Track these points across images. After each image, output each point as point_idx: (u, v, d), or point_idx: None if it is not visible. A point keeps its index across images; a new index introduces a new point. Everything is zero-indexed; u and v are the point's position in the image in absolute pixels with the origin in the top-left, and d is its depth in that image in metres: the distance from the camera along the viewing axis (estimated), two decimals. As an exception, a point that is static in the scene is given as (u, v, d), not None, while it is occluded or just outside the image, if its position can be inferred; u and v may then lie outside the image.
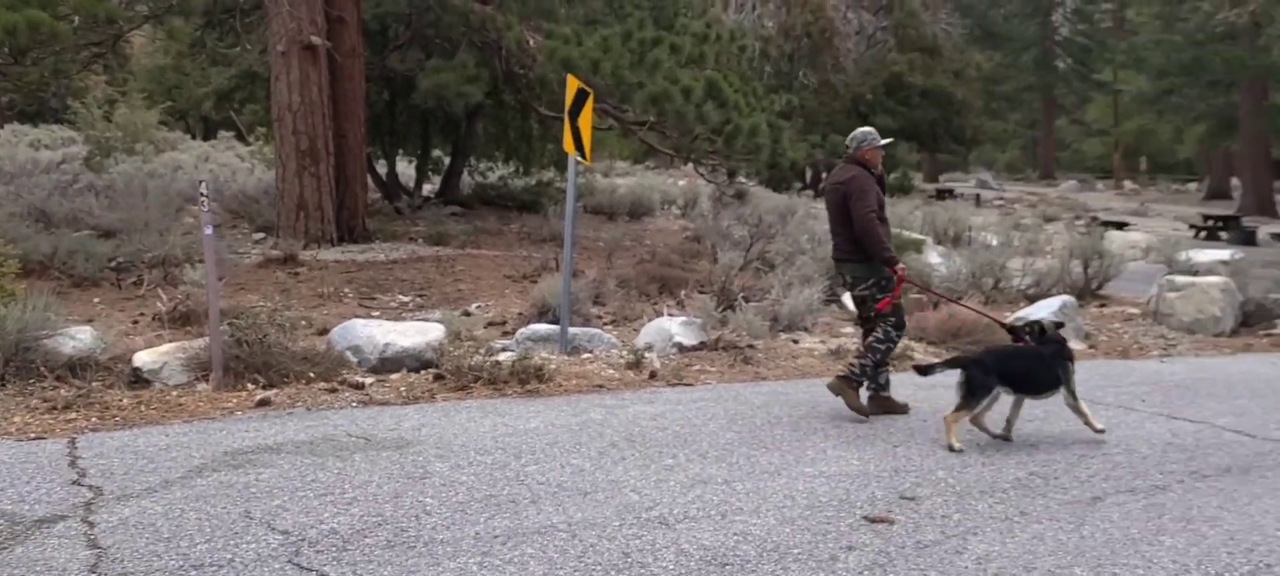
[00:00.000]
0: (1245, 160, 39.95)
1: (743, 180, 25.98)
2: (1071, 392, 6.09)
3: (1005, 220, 30.70)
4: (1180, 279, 11.55)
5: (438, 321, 8.66)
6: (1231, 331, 11.14)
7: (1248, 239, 26.16)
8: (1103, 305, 12.79)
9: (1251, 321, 11.51)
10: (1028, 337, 6.42)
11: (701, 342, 8.70)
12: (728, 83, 14.45)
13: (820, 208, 24.14)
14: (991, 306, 11.69)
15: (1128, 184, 57.05)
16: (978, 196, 43.12)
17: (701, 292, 11.10)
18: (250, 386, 6.69)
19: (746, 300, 10.26)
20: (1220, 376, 8.35)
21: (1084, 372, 8.18)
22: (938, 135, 43.80)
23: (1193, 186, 55.20)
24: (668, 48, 14.33)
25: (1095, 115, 67.62)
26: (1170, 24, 43.17)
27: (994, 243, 22.00)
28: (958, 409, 5.88)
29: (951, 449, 5.71)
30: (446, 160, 21.69)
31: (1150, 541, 4.29)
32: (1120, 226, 28.47)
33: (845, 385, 6.49)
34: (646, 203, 23.16)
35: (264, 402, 6.38)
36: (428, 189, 21.31)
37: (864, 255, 6.48)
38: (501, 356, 7.73)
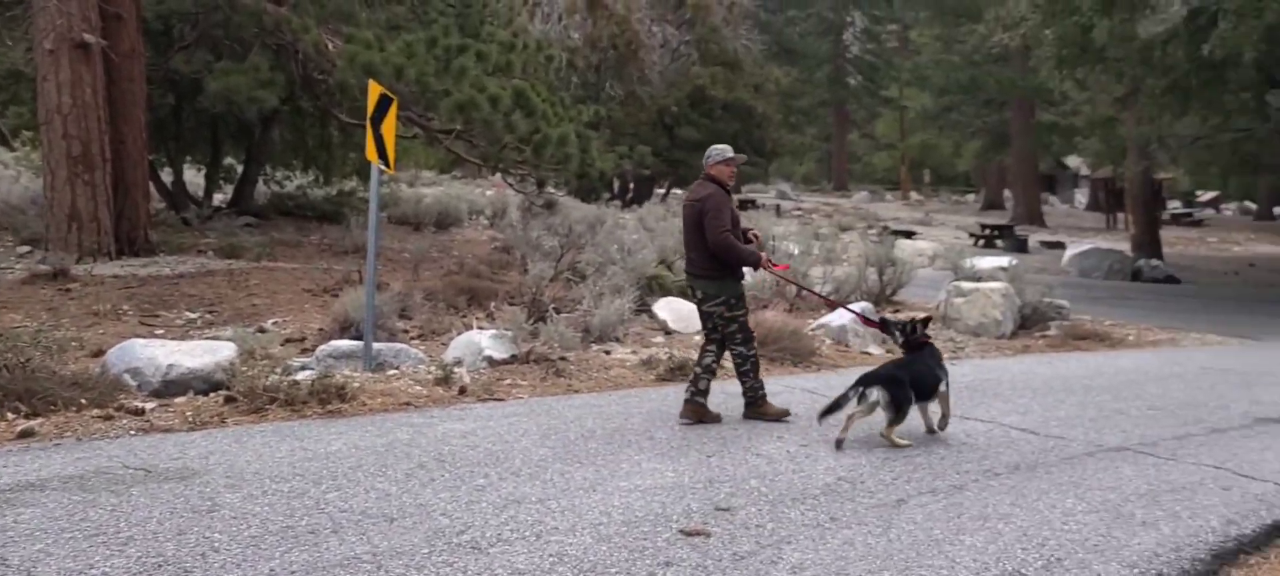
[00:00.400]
0: (1016, 174, 43.13)
1: (552, 190, 25.93)
2: (948, 387, 6.57)
3: (805, 229, 31.90)
4: (966, 285, 12.25)
5: (229, 339, 8.11)
6: (1012, 333, 11.90)
7: (1020, 246, 28.18)
8: (896, 310, 13.38)
9: (1029, 324, 12.33)
10: (898, 335, 6.89)
11: (512, 356, 8.51)
12: (536, 92, 14.31)
13: (629, 217, 24.39)
14: (795, 315, 12.03)
15: (914, 195, 60.55)
16: (778, 207, 44.66)
17: (512, 304, 10.90)
18: (10, 416, 6.03)
19: (558, 311, 10.13)
20: (1005, 377, 8.86)
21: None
22: (740, 147, 44.80)
23: (971, 197, 59.19)
24: (474, 55, 14.05)
25: (884, 130, 71.63)
26: (949, 46, 46.16)
27: (795, 251, 22.80)
28: (890, 423, 6.17)
29: (899, 446, 6.11)
30: (239, 168, 20.54)
31: (952, 541, 4.43)
32: (909, 235, 30.11)
33: (754, 411, 6.80)
34: (454, 213, 22.71)
35: (27, 433, 5.75)
36: (219, 199, 20.12)
37: (716, 272, 6.61)
38: (300, 375, 7.30)
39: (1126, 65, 17.99)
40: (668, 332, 10.67)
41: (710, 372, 6.81)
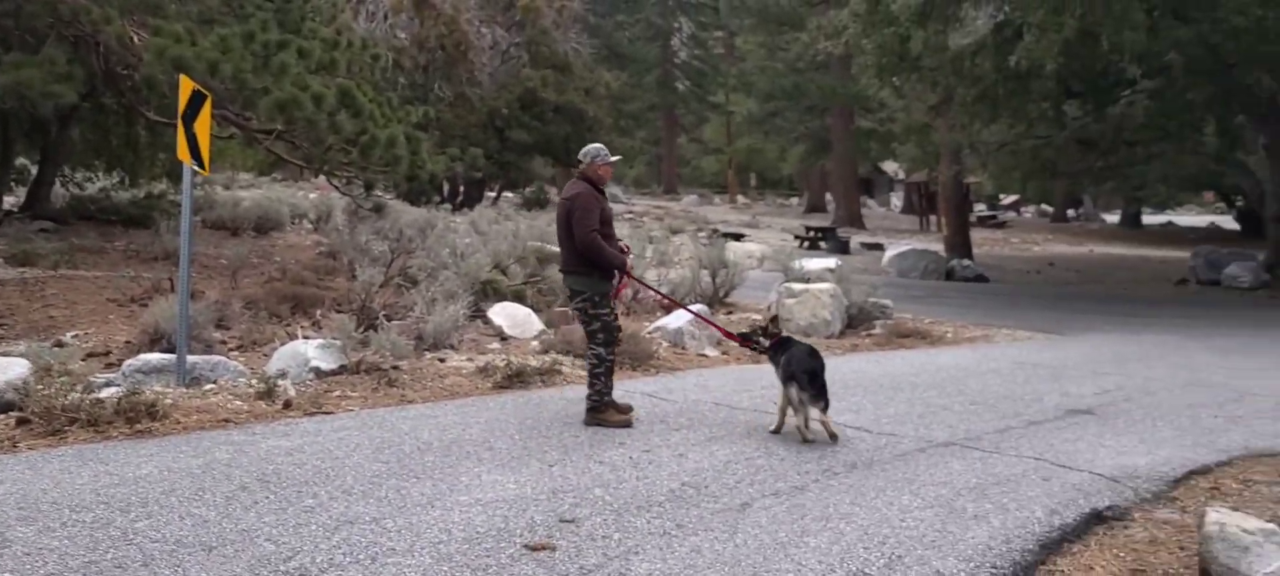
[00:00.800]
0: (837, 178, 44.79)
1: (380, 193, 25.13)
2: None
3: (638, 232, 32.13)
4: (796, 286, 12.54)
5: (21, 355, 7.40)
6: (840, 333, 12.24)
7: (843, 248, 29.23)
8: (730, 312, 13.59)
9: (855, 323, 12.73)
10: (762, 340, 7.03)
11: (341, 366, 8.12)
12: (362, 92, 13.79)
13: (460, 221, 23.93)
14: (631, 318, 12.01)
15: (741, 198, 62.08)
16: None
17: (340, 312, 10.45)
18: None
19: (389, 319, 9.77)
20: (836, 376, 9.01)
21: (721, 378, 8.58)
22: (571, 150, 44.95)
23: (795, 200, 61.16)
24: (295, 52, 13.41)
25: (712, 134, 73.11)
26: (773, 54, 47.54)
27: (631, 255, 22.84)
28: (824, 409, 6.40)
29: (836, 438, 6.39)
30: (33, 169, 19.00)
31: (797, 543, 4.44)
32: (738, 237, 30.76)
33: (595, 417, 6.72)
34: (275, 217, 21.70)
35: None
36: (10, 202, 18.55)
37: (585, 269, 6.67)
38: (104, 393, 6.73)
39: (940, 75, 18.91)
40: (504, 339, 10.45)
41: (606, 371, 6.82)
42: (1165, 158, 28.66)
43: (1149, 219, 51.63)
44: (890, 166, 58.51)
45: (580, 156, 6.94)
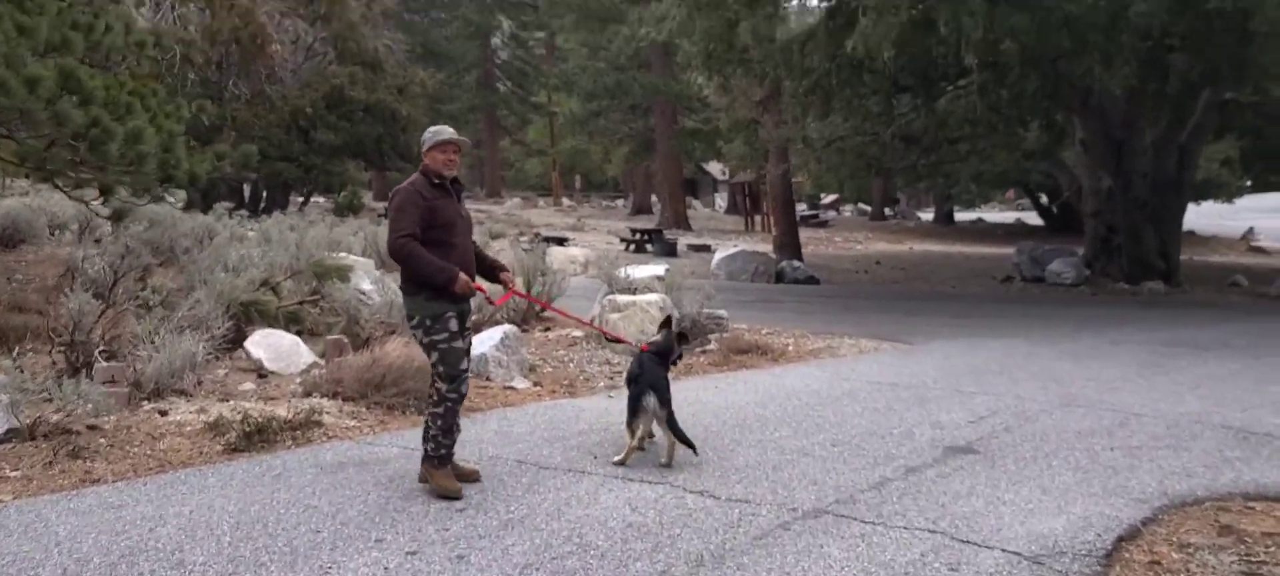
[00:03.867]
0: (662, 179, 43.84)
1: (131, 198, 22.19)
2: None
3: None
4: (621, 298, 10.97)
5: None
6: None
7: (670, 251, 28.05)
8: (548, 329, 11.92)
9: (688, 338, 11.26)
10: (678, 349, 6.43)
11: (9, 431, 5.98)
12: (96, 78, 11.36)
13: (257, 229, 21.27)
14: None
15: (566, 201, 60.61)
16: (427, 214, 42.43)
17: (55, 347, 8.17)
18: None
19: (110, 356, 7.63)
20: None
21: (529, 422, 6.88)
22: (384, 152, 42.47)
23: (621, 202, 60.13)
24: (12, 26, 10.91)
25: (535, 136, 71.32)
26: (595, 52, 46.24)
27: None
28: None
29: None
30: None
31: None
32: (561, 242, 29.14)
33: (424, 466, 5.36)
34: (29, 227, 18.58)
35: None
36: None
37: (412, 286, 5.29)
38: None
39: (768, 66, 17.84)
40: (262, 375, 8.43)
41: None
42: (981, 154, 28.84)
43: (960, 216, 53.09)
44: (715, 167, 58.28)
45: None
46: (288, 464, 5.77)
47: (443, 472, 5.28)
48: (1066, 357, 10.57)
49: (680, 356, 6.51)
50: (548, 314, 5.30)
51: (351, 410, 6.98)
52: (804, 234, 38.86)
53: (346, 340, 8.36)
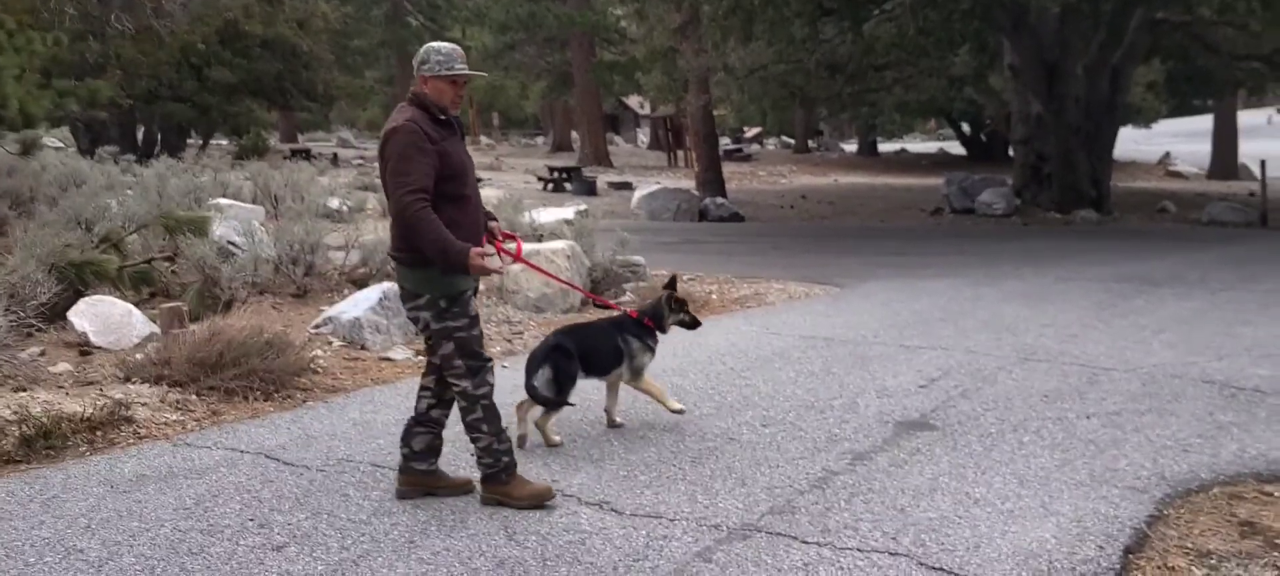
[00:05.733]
0: (582, 115, 42.37)
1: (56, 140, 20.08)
2: (634, 371, 5.26)
3: (359, 181, 28.44)
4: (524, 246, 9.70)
5: None
6: (581, 304, 9.61)
7: (589, 189, 26.77)
8: (444, 281, 10.65)
9: (601, 288, 10.13)
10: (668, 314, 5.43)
11: None
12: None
13: (144, 174, 19.43)
14: (292, 306, 8.88)
15: (484, 139, 58.64)
16: (335, 155, 40.53)
17: None
18: None
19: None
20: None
21: (396, 409, 5.64)
22: (285, 89, 40.23)
23: (540, 140, 58.45)
24: None
25: (451, 72, 68.76)
26: (510, -17, 44.25)
27: (345, 208, 19.37)
28: (545, 411, 5.00)
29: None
30: None
31: None
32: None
33: (491, 488, 4.19)
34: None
35: None
36: None
37: (417, 257, 4.02)
38: None
39: (685, -11, 16.55)
40: (86, 352, 7.05)
41: (429, 422, 4.34)
42: (907, 82, 27.98)
43: (883, 147, 52.55)
44: (636, 101, 56.77)
45: (413, 63, 4.22)
46: (71, 480, 4.49)
47: (515, 484, 4.17)
48: (1015, 299, 9.66)
49: (671, 323, 5.43)
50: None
51: (177, 399, 5.68)
52: (728, 169, 37.83)
53: (185, 308, 7.01)
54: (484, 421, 4.15)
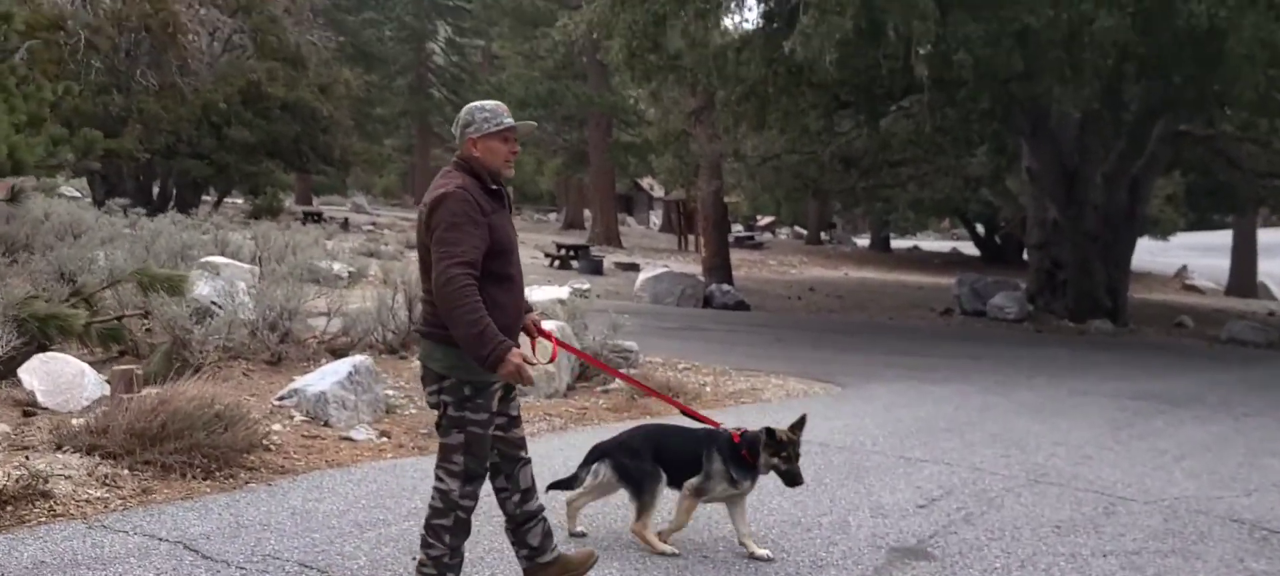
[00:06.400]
0: (595, 193, 42.32)
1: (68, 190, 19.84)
2: (695, 489, 4.60)
3: (364, 246, 28.25)
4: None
5: None
6: (568, 388, 9.14)
7: (596, 268, 26.45)
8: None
9: (588, 374, 9.67)
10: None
11: None
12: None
13: (153, 227, 19.16)
14: (284, 368, 8.45)
15: (497, 212, 58.65)
16: (346, 220, 40.47)
17: None
18: None
19: None
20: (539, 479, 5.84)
21: (343, 497, 5.13)
22: (303, 152, 40.30)
23: (553, 216, 58.43)
24: None
25: (469, 145, 69.19)
26: (531, 61, 44.59)
27: (345, 273, 19.06)
28: (639, 512, 4.65)
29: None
30: None
31: None
32: (479, 255, 27.42)
33: None
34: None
35: None
36: None
37: (440, 329, 3.65)
38: None
39: (700, 73, 16.35)
40: (29, 413, 6.59)
41: (531, 516, 3.99)
42: (922, 179, 27.74)
43: (896, 243, 52.28)
44: (649, 183, 56.83)
45: (455, 125, 3.86)
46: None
47: None
48: (1025, 412, 9.14)
49: (766, 464, 4.59)
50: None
51: (108, 473, 5.20)
52: (737, 256, 37.54)
53: (137, 371, 6.55)
54: (450, 532, 3.72)
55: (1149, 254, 44.39)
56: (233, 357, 8.84)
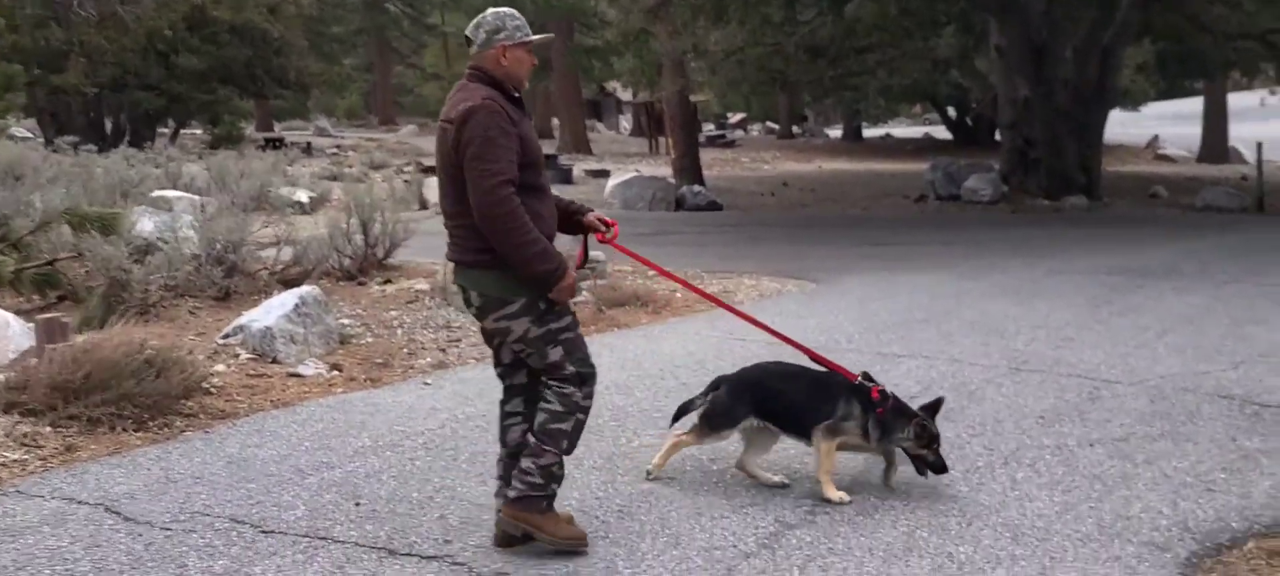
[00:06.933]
0: (561, 101, 41.51)
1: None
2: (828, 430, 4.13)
3: (328, 170, 27.61)
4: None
5: None
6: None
7: (565, 177, 25.93)
8: (387, 282, 9.83)
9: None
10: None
11: None
12: None
13: (106, 164, 18.47)
14: (234, 303, 8.07)
15: (462, 127, 57.74)
16: (309, 145, 39.57)
17: None
18: None
19: None
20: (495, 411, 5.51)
21: (285, 441, 4.80)
22: (257, 77, 39.12)
23: (520, 127, 57.41)
24: None
25: (431, 60, 67.70)
26: (487, -35, 43.34)
27: (305, 199, 18.59)
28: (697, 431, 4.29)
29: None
30: None
31: None
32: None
33: (522, 512, 3.49)
34: None
35: None
36: None
37: (493, 256, 3.40)
38: None
39: (656, -34, 15.70)
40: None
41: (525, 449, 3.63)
42: (890, 65, 27.16)
43: (868, 132, 51.77)
44: (618, 87, 55.85)
45: (468, 34, 3.59)
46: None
47: (553, 518, 3.55)
48: (1003, 296, 8.89)
49: (898, 441, 4.16)
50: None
51: (28, 432, 4.84)
52: (710, 155, 37.00)
53: (64, 319, 6.14)
54: (568, 437, 3.54)
55: (1121, 126, 44.11)
56: (179, 296, 8.46)
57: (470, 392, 5.77)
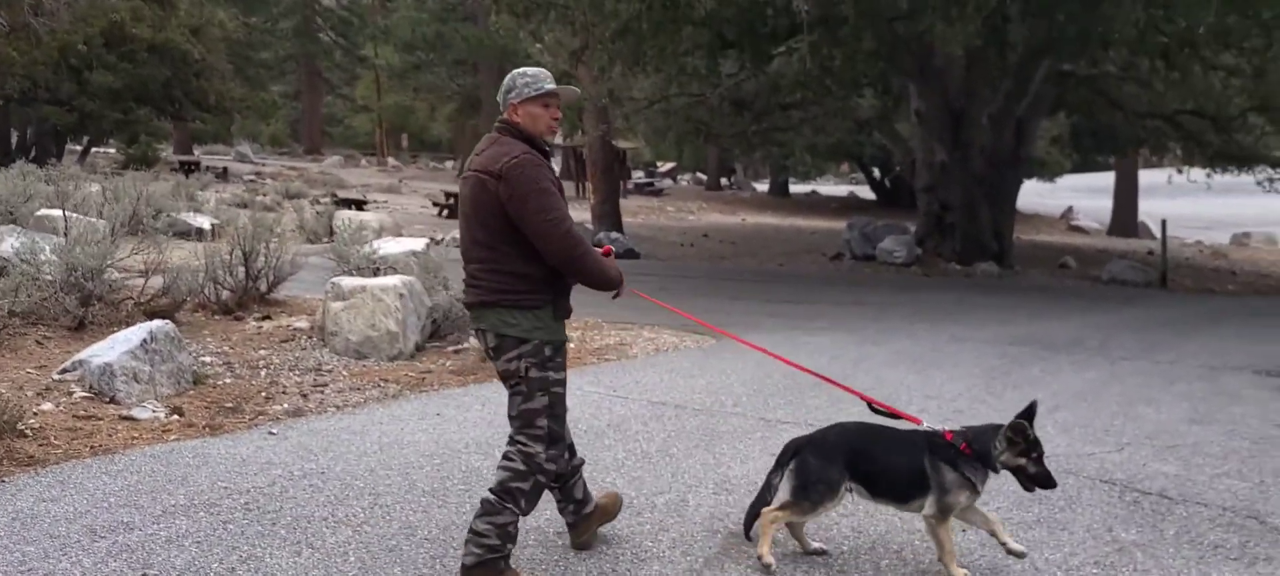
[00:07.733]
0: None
1: None
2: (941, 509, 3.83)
3: (240, 198, 26.82)
4: (347, 282, 8.42)
5: None
6: (416, 350, 8.36)
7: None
8: (266, 317, 9.32)
9: (443, 332, 8.93)
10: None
11: None
12: None
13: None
14: (90, 334, 7.51)
15: (391, 160, 57.01)
16: (225, 170, 38.57)
17: None
18: None
19: None
20: (336, 469, 5.06)
21: (85, 495, 4.30)
22: (175, 98, 38.07)
23: (450, 164, 56.99)
24: None
25: (362, 91, 66.98)
26: (423, 2, 42.89)
27: (205, 225, 17.94)
28: (783, 506, 3.88)
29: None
30: None
31: None
32: (359, 204, 26.30)
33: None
34: None
35: None
36: None
37: (518, 296, 3.62)
38: None
39: (578, 12, 15.49)
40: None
41: (574, 470, 3.99)
42: (814, 122, 27.36)
43: (796, 188, 52.27)
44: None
45: (503, 93, 3.88)
46: None
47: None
48: (902, 362, 8.70)
49: (1005, 462, 3.89)
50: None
51: None
52: (636, 202, 36.96)
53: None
54: (526, 497, 3.62)
55: (1038, 196, 45.19)
56: (30, 323, 7.87)
57: (316, 446, 5.32)
